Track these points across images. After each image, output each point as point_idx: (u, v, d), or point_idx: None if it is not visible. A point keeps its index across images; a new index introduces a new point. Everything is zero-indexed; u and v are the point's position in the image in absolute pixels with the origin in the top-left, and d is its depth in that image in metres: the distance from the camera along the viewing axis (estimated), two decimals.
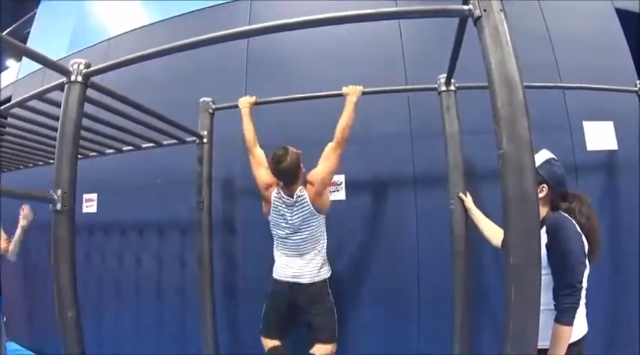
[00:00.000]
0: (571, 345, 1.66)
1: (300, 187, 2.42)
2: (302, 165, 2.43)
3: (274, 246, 2.53)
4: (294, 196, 2.40)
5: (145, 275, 3.43)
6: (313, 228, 2.42)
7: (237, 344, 3.01)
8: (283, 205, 2.43)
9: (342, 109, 2.39)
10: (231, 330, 3.03)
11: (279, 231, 2.47)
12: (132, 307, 3.45)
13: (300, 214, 2.40)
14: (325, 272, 2.46)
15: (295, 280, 2.41)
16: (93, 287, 3.59)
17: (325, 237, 2.48)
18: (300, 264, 2.42)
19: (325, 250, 2.48)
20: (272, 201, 2.45)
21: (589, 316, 1.80)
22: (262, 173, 2.51)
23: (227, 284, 3.08)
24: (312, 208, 2.39)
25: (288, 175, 2.38)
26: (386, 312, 2.77)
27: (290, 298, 2.45)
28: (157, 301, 3.34)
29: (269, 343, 2.48)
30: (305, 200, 2.39)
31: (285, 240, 2.46)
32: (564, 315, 1.63)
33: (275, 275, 2.49)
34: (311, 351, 2.38)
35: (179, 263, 3.27)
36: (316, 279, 2.41)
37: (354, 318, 2.77)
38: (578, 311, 1.66)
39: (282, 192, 2.44)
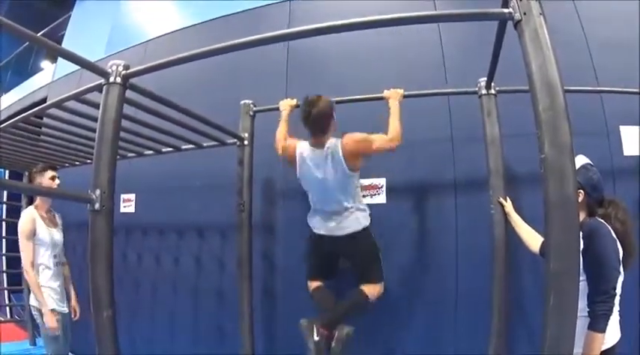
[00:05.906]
0: (603, 352, 1.65)
1: (331, 139, 2.26)
2: (334, 115, 2.28)
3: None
4: (324, 148, 2.24)
5: (182, 276, 3.44)
6: (346, 185, 2.26)
7: (274, 346, 3.01)
8: (311, 161, 2.28)
9: (387, 113, 2.35)
10: (269, 331, 3.03)
11: (309, 189, 2.37)
12: (168, 307, 3.47)
13: (331, 170, 2.23)
14: (364, 221, 2.31)
15: (333, 233, 2.30)
16: (129, 286, 3.61)
17: (360, 194, 2.36)
18: (337, 221, 2.29)
19: (363, 204, 2.37)
20: (297, 157, 2.33)
21: (621, 323, 1.77)
22: (288, 143, 2.44)
23: (266, 286, 3.06)
24: (345, 164, 2.19)
25: (319, 121, 2.21)
26: (423, 315, 2.74)
27: (330, 248, 2.38)
28: (194, 302, 3.35)
29: (313, 284, 2.46)
30: (337, 153, 2.20)
31: (317, 201, 2.35)
32: (598, 322, 1.62)
33: (312, 227, 2.40)
34: (359, 288, 2.32)
35: (218, 264, 3.27)
36: (356, 229, 2.28)
37: (390, 320, 2.74)
38: (611, 318, 1.64)
39: (309, 145, 2.30)
